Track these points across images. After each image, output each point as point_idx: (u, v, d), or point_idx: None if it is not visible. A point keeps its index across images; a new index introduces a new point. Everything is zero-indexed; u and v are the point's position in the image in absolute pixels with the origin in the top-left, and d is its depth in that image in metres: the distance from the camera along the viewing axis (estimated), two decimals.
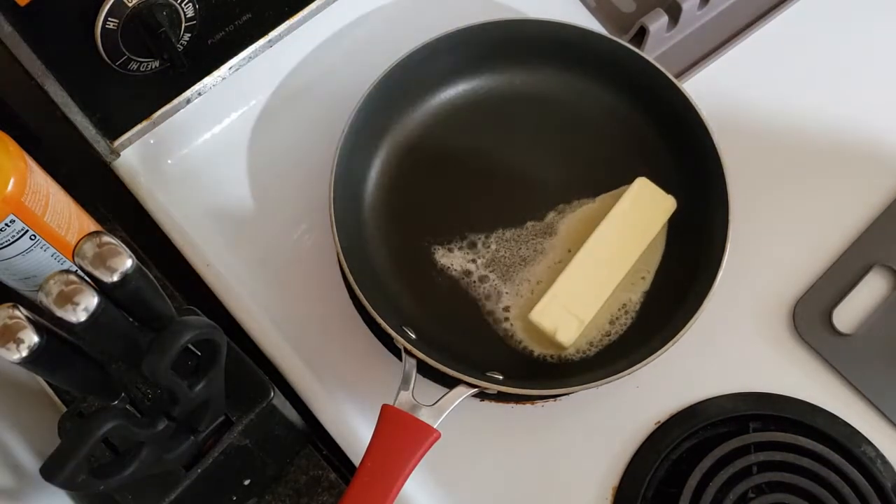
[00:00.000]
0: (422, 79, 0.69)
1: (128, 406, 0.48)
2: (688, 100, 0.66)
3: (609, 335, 0.65)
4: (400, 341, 0.58)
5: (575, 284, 0.63)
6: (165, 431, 0.48)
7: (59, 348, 0.42)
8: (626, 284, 0.65)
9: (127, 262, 0.42)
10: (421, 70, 0.68)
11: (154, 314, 0.45)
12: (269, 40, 0.69)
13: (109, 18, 0.57)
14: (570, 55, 0.69)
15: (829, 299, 0.67)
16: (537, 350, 0.64)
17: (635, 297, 0.66)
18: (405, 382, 0.56)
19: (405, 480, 0.52)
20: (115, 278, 0.41)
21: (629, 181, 0.67)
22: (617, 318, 0.65)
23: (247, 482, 0.61)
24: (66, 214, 0.58)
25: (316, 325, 0.67)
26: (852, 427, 0.64)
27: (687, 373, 0.65)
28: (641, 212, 0.65)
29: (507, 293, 0.66)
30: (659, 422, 0.64)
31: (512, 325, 0.65)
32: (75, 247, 0.42)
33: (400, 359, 0.59)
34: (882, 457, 0.63)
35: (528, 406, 0.65)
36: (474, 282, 0.66)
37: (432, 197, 0.68)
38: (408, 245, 0.67)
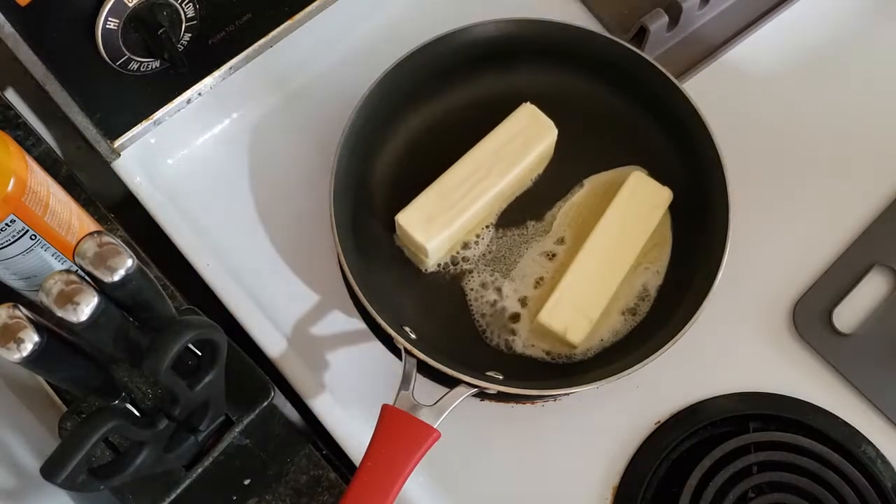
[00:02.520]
0: (422, 79, 0.68)
1: (128, 406, 0.48)
2: (688, 100, 0.66)
3: (620, 334, 0.65)
4: (400, 341, 0.58)
5: (580, 283, 0.63)
6: (166, 431, 0.48)
7: (60, 348, 0.42)
8: (638, 281, 0.66)
9: (127, 262, 0.42)
10: (421, 70, 0.67)
11: (154, 314, 0.45)
12: (270, 40, 0.69)
13: (110, 18, 0.57)
14: (571, 55, 0.69)
15: (829, 299, 0.67)
16: (542, 350, 0.64)
17: (652, 291, 0.66)
18: (405, 382, 0.56)
19: (405, 480, 0.52)
20: (116, 278, 0.41)
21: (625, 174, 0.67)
22: (632, 315, 0.65)
23: (247, 482, 0.61)
24: (66, 214, 0.58)
25: (316, 324, 0.67)
26: (852, 427, 0.64)
27: (687, 373, 0.65)
28: (639, 205, 0.65)
29: (508, 293, 0.66)
30: (659, 421, 0.64)
31: (514, 324, 0.65)
32: (76, 246, 0.42)
33: (400, 358, 0.59)
34: (882, 457, 0.63)
35: (528, 406, 0.65)
36: (475, 282, 0.66)
37: None
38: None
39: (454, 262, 0.66)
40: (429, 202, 0.64)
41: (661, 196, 0.66)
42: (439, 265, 0.66)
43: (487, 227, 0.67)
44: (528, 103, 0.67)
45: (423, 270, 0.66)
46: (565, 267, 0.64)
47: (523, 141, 0.65)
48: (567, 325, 0.62)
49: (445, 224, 0.63)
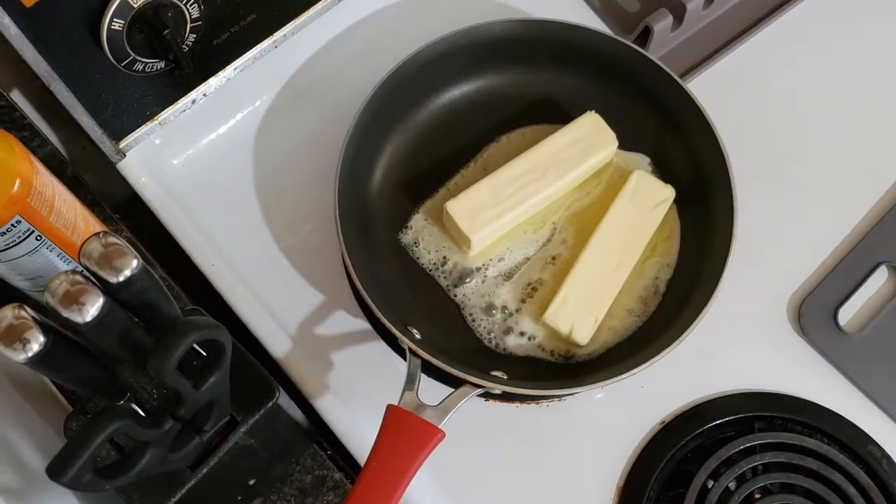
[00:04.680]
0: (426, 79, 0.69)
1: (133, 406, 0.48)
2: (692, 100, 0.66)
3: (626, 333, 0.65)
4: (404, 341, 0.58)
5: (584, 283, 0.63)
6: (171, 431, 0.48)
7: (65, 348, 0.42)
8: (649, 273, 0.66)
9: (132, 263, 0.42)
10: (425, 70, 0.68)
11: (159, 314, 0.45)
12: (274, 41, 0.69)
13: (115, 19, 0.57)
14: (575, 55, 0.69)
15: (834, 298, 0.67)
16: (547, 350, 0.64)
17: (661, 286, 0.66)
18: (410, 382, 0.56)
19: (410, 480, 0.52)
20: (121, 278, 0.41)
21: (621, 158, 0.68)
22: (639, 314, 0.65)
23: (252, 482, 0.61)
24: (71, 215, 0.58)
25: (321, 324, 0.67)
26: (858, 427, 0.64)
27: (692, 372, 0.65)
28: (641, 204, 0.65)
29: (511, 292, 0.65)
30: (664, 422, 0.64)
31: (518, 324, 0.65)
32: (81, 247, 0.42)
33: (404, 359, 0.59)
34: (888, 457, 0.63)
35: (532, 406, 0.65)
36: (478, 282, 0.66)
37: None
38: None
39: (456, 262, 0.66)
40: (479, 195, 0.64)
41: (663, 194, 0.66)
42: (438, 265, 0.66)
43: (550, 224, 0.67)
44: (593, 111, 0.67)
45: (445, 283, 0.66)
46: (569, 267, 0.64)
47: (582, 148, 0.66)
48: (573, 324, 0.62)
49: (491, 218, 0.63)
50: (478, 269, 0.66)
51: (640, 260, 0.65)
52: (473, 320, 0.65)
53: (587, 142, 0.66)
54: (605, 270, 0.63)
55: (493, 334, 0.65)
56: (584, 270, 0.63)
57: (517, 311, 0.65)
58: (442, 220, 0.67)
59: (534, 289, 0.66)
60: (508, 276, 0.66)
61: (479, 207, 0.64)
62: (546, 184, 0.65)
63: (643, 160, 0.69)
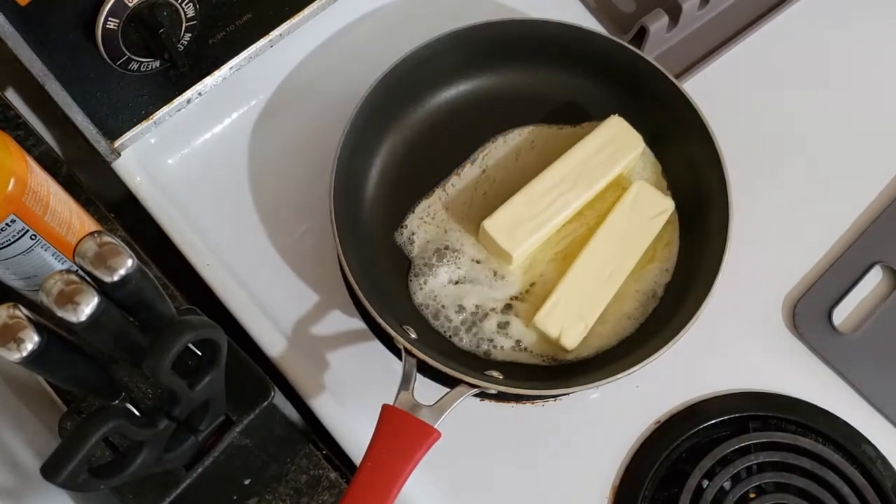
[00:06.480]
0: (422, 79, 0.69)
1: (128, 405, 0.48)
2: (688, 100, 0.66)
3: (621, 335, 0.65)
4: (400, 341, 0.58)
5: (577, 288, 0.63)
6: (166, 431, 0.48)
7: (60, 348, 0.42)
8: (649, 278, 0.66)
9: (127, 262, 0.42)
10: (421, 70, 0.68)
11: (154, 314, 0.45)
12: (270, 40, 0.69)
13: (110, 18, 0.57)
14: (571, 55, 0.69)
15: (829, 298, 0.67)
16: (538, 354, 0.64)
17: (659, 290, 0.66)
18: (405, 382, 0.56)
19: (405, 480, 0.52)
20: (116, 278, 0.41)
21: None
22: (635, 316, 0.65)
23: (247, 481, 0.61)
24: (66, 214, 0.58)
25: (316, 324, 0.67)
26: (852, 427, 0.64)
27: (687, 372, 0.65)
28: (640, 214, 0.65)
29: (507, 293, 0.65)
30: (659, 421, 0.64)
31: (512, 325, 0.65)
32: (76, 246, 0.42)
33: (400, 358, 0.59)
34: (882, 457, 0.63)
35: (528, 406, 0.65)
36: (473, 283, 0.66)
37: None
38: None
39: (451, 261, 0.66)
40: (514, 210, 0.64)
41: (662, 205, 0.66)
42: (433, 263, 0.66)
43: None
44: (617, 115, 0.67)
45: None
46: (563, 272, 0.64)
47: (611, 153, 0.66)
48: (562, 329, 0.62)
49: (530, 232, 0.63)
50: (471, 269, 0.66)
51: (638, 267, 0.65)
52: (467, 322, 0.65)
53: (614, 145, 0.66)
54: (599, 278, 0.63)
55: (484, 335, 0.64)
56: (577, 276, 0.63)
57: (509, 312, 0.65)
58: (438, 221, 0.67)
59: (527, 292, 0.66)
60: (503, 276, 0.66)
61: (515, 223, 0.64)
62: (578, 194, 0.65)
63: (649, 154, 0.69)
